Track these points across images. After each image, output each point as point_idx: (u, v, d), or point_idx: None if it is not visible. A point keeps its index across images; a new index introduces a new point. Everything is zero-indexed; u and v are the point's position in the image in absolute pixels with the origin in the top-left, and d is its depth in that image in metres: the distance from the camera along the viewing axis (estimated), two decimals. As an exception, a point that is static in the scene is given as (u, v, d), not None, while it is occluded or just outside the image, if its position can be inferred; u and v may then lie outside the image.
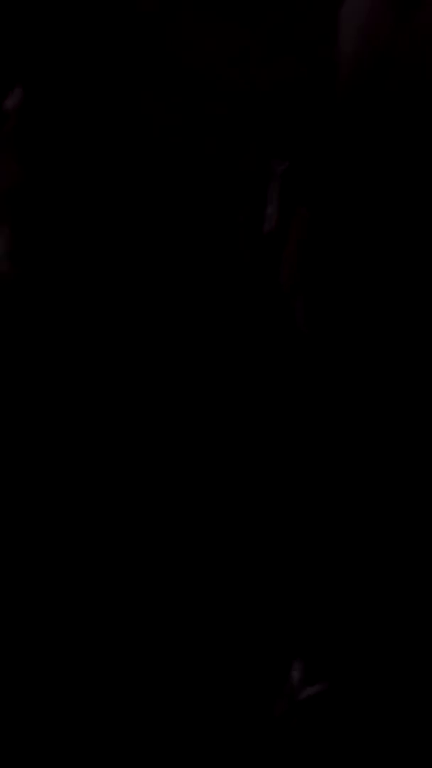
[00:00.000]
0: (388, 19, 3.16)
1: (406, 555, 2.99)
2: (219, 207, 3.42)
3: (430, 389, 3.15)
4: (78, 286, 3.34)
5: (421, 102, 3.19)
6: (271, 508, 3.08)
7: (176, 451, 3.16)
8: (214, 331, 3.29)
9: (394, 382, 3.16)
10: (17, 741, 2.77)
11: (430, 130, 3.19)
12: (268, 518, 3.06)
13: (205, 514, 3.09)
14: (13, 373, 3.26)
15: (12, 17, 3.59)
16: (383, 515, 3.02)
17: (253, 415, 3.18)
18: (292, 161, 3.24)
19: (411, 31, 3.13)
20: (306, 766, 2.72)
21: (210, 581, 3.01)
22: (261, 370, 3.23)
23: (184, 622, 2.96)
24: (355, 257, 3.21)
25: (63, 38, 3.54)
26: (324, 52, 3.42)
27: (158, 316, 3.30)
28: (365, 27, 3.13)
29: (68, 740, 2.78)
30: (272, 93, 3.40)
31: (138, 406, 3.21)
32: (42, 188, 3.45)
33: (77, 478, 3.15)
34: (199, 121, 3.48)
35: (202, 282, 3.34)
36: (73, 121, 3.49)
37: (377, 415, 3.13)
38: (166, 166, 3.45)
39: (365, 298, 3.20)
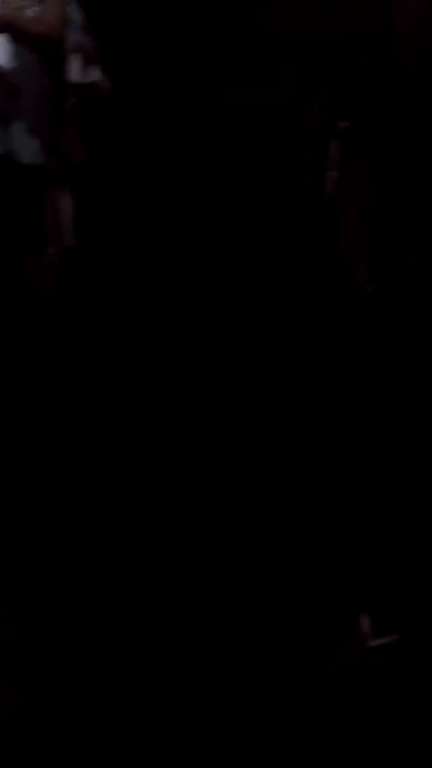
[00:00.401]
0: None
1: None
2: (283, 167, 3.43)
3: None
4: (139, 261, 3.37)
5: None
6: (334, 463, 3.16)
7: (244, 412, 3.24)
8: (279, 295, 3.33)
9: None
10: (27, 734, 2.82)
11: None
12: (341, 472, 3.15)
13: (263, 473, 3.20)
14: (70, 351, 3.31)
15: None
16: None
17: (320, 380, 3.23)
18: (354, 119, 3.23)
19: None
20: (373, 715, 2.85)
21: (277, 537, 3.13)
22: (327, 332, 3.27)
23: (254, 575, 3.08)
24: (417, 215, 3.22)
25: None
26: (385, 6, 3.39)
27: (223, 283, 3.33)
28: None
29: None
30: (338, 44, 3.35)
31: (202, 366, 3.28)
32: (105, 162, 3.46)
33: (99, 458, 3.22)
34: (265, 75, 3.47)
35: (265, 246, 3.37)
36: (139, 82, 3.49)
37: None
38: (228, 125, 3.46)
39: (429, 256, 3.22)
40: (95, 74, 3.67)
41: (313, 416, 3.22)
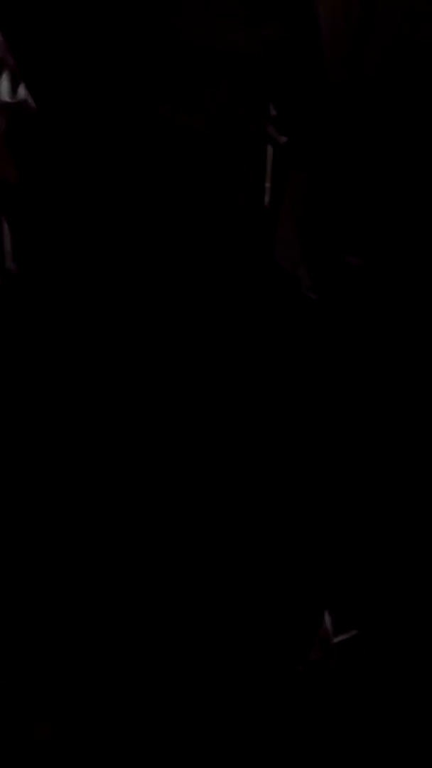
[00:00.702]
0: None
1: None
2: (219, 182, 3.46)
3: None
4: (82, 280, 3.38)
5: (406, 63, 3.27)
6: (299, 467, 3.21)
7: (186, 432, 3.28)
8: (220, 313, 3.36)
9: (411, 341, 3.23)
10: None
11: (413, 93, 3.27)
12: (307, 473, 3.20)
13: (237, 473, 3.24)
14: (15, 371, 3.32)
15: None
16: (413, 472, 3.16)
17: (268, 393, 3.27)
18: (286, 131, 3.27)
19: None
20: (343, 711, 2.94)
21: (241, 540, 3.18)
22: (274, 346, 3.30)
23: (215, 578, 3.13)
24: (353, 219, 3.28)
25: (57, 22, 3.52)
26: (308, 16, 3.44)
27: (163, 304, 3.35)
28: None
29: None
30: (262, 57, 3.40)
31: (142, 396, 3.30)
32: (41, 181, 3.48)
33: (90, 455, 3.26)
34: (192, 93, 3.50)
35: (206, 265, 3.40)
36: (70, 104, 3.50)
37: (396, 381, 3.21)
38: (165, 144, 3.48)
39: (368, 261, 3.27)
40: (22, 93, 3.67)
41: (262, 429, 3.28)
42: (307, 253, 3.27)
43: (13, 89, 3.63)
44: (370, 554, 3.09)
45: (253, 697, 2.91)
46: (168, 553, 3.19)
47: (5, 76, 3.71)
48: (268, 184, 3.33)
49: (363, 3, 3.28)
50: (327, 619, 3.01)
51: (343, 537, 3.10)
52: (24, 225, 3.47)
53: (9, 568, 3.12)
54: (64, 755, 2.78)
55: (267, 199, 3.33)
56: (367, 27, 3.28)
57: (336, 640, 2.98)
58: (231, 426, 3.32)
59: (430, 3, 3.25)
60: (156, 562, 3.17)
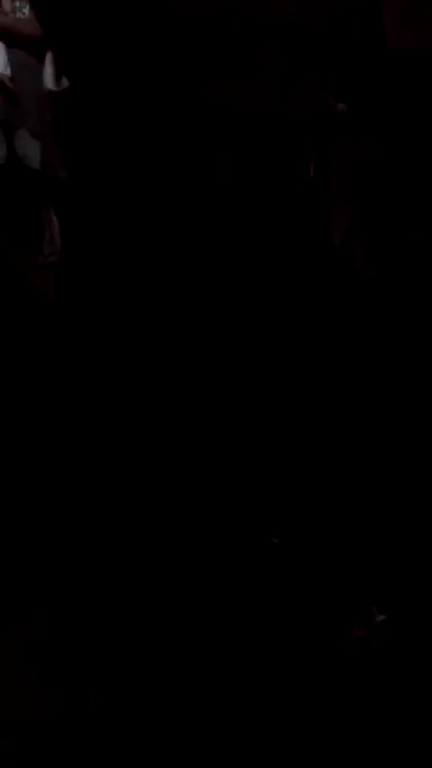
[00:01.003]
0: None
1: None
2: (277, 158, 3.39)
3: None
4: (136, 258, 3.37)
5: None
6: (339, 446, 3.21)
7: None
8: (275, 287, 3.33)
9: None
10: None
11: None
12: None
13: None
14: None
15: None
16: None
17: (321, 370, 3.25)
18: (347, 101, 3.15)
19: None
20: (384, 690, 2.93)
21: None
22: (327, 320, 3.25)
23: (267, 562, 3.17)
24: (416, 193, 3.18)
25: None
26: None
27: (219, 280, 3.33)
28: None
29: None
30: (318, 23, 3.27)
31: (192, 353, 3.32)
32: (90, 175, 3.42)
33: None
34: (251, 64, 3.39)
35: (260, 237, 3.36)
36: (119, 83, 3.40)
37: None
38: (218, 118, 3.40)
39: (427, 233, 3.18)
40: (65, 81, 3.58)
41: (314, 405, 3.25)
42: (360, 227, 3.17)
43: (58, 77, 3.60)
44: (410, 537, 3.08)
45: (294, 674, 2.93)
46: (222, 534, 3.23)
47: (49, 61, 3.66)
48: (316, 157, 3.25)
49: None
50: (371, 599, 3.01)
51: (382, 524, 3.09)
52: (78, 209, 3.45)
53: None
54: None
55: (314, 171, 3.25)
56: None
57: (379, 618, 2.98)
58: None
59: None
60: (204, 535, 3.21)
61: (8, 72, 4.03)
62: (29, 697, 2.88)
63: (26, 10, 3.92)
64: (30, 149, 4.12)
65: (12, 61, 4.00)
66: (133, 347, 3.35)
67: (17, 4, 3.95)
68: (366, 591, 3.02)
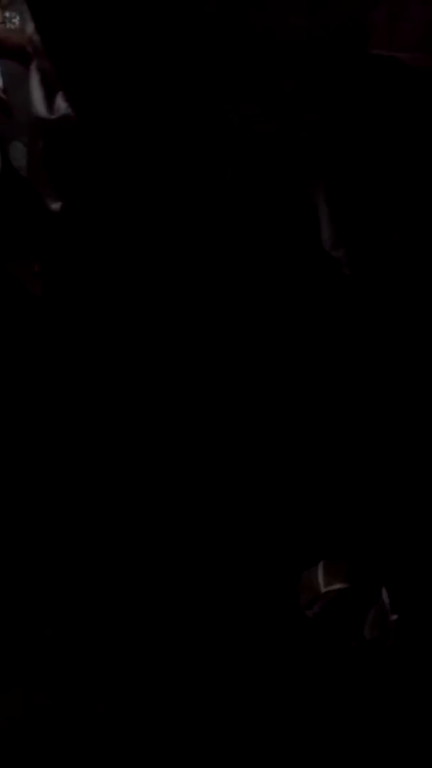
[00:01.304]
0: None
1: None
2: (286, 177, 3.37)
3: None
4: (133, 265, 3.33)
5: None
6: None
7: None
8: (275, 291, 3.33)
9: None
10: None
11: None
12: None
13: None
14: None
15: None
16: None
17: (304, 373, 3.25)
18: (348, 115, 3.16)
19: None
20: (398, 689, 2.94)
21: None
22: (313, 320, 3.26)
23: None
24: (399, 196, 3.19)
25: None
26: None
27: (218, 291, 3.34)
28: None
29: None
30: (328, 43, 3.23)
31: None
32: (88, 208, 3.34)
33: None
34: (264, 82, 3.35)
35: (250, 252, 3.35)
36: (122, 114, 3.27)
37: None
38: (232, 136, 3.35)
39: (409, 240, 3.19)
40: (61, 106, 3.20)
41: (314, 405, 3.27)
42: (343, 233, 3.19)
43: (49, 103, 3.20)
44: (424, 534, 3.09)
45: (304, 674, 2.94)
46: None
47: (36, 85, 3.25)
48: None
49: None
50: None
51: (396, 519, 3.11)
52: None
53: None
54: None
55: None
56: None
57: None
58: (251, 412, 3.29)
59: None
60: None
61: (0, 83, 4.00)
62: (36, 704, 2.89)
63: (17, 20, 3.91)
64: (25, 160, 4.09)
65: (3, 72, 3.98)
66: (132, 348, 3.34)
67: (8, 14, 3.94)
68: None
